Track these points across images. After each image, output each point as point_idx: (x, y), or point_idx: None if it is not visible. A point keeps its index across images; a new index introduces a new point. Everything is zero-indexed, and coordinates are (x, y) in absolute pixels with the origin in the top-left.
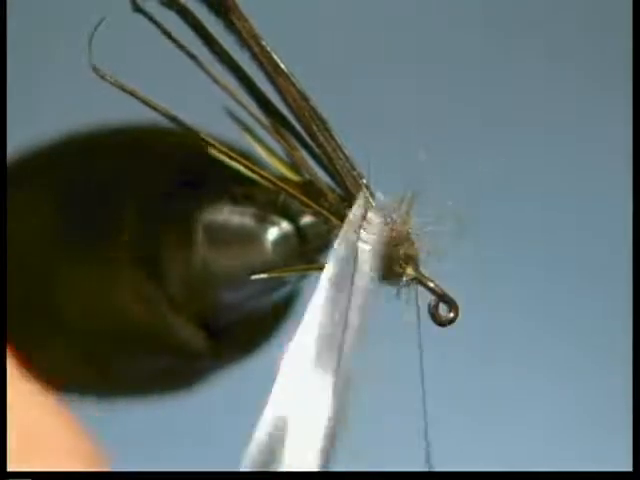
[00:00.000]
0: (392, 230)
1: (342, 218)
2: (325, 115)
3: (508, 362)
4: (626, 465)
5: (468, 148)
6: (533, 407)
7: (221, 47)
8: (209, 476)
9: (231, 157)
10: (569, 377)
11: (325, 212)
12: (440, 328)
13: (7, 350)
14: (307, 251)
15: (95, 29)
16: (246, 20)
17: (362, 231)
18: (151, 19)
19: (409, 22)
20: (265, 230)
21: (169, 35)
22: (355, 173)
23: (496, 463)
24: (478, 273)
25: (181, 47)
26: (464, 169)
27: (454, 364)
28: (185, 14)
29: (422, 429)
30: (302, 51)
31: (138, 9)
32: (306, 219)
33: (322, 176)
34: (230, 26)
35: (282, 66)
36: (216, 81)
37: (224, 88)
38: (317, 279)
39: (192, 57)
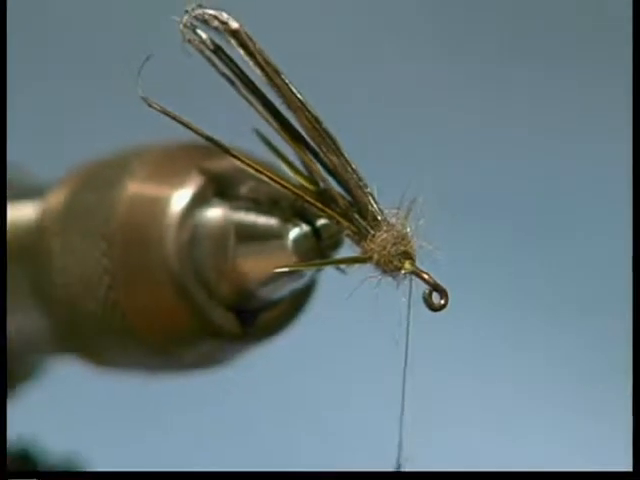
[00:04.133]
0: (393, 231)
1: (351, 221)
2: (335, 135)
3: (508, 361)
4: (626, 465)
5: (465, 146)
6: (533, 406)
7: (250, 80)
8: (209, 476)
9: (259, 170)
10: (569, 376)
11: (337, 216)
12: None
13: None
14: (322, 248)
15: (143, 64)
16: (269, 62)
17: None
18: (199, 51)
19: (409, 23)
20: (287, 230)
21: (214, 64)
22: (362, 183)
23: (496, 463)
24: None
25: (223, 75)
26: (461, 165)
27: (452, 362)
28: (221, 54)
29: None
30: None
31: (188, 41)
32: (321, 221)
33: (335, 186)
34: (257, 65)
35: (299, 96)
36: (250, 104)
37: (256, 111)
38: (330, 272)
39: (232, 83)
